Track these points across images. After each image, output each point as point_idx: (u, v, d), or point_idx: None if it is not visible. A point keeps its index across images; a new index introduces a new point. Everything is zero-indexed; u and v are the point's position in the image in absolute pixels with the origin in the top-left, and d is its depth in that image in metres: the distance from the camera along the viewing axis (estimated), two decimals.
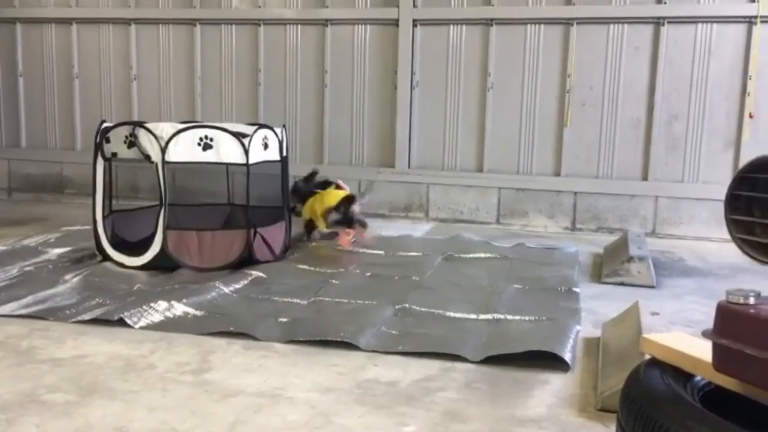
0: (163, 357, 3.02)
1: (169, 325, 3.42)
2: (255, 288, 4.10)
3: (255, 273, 4.32)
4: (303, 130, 6.95)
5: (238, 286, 4.09)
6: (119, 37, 7.40)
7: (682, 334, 2.10)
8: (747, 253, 1.62)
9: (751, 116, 5.89)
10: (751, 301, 1.66)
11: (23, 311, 3.56)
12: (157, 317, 3.48)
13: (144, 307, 3.55)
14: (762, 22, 5.77)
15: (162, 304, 3.59)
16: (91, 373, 2.83)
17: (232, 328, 3.34)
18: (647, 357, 2.08)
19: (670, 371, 1.91)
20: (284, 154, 4.89)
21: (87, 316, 3.46)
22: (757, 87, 5.86)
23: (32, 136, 7.78)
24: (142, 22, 7.31)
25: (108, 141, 4.47)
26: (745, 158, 5.84)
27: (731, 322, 1.67)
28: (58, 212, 6.71)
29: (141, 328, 3.38)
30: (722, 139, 6.03)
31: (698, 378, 1.91)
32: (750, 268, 4.71)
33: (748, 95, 5.88)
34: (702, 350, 1.87)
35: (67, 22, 7.50)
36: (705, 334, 1.76)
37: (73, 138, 7.60)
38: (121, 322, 3.40)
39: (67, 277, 4.18)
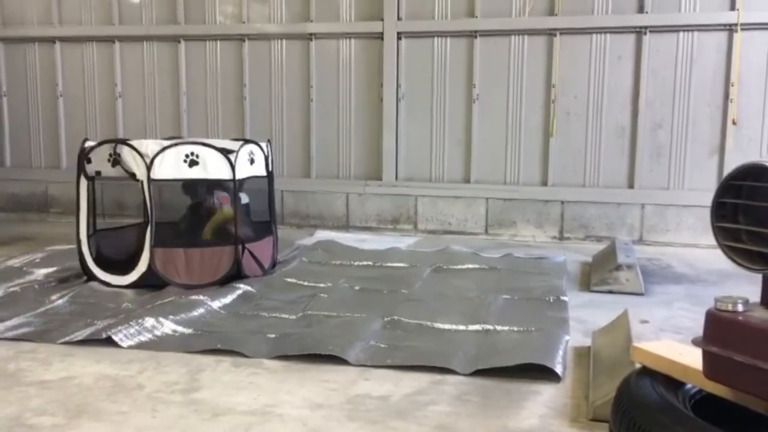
0: (151, 376, 2.99)
1: (157, 344, 3.39)
2: (243, 304, 4.07)
3: (243, 287, 4.30)
4: (289, 144, 6.95)
5: (226, 301, 4.06)
6: (103, 54, 7.38)
7: (672, 342, 2.10)
8: (734, 261, 1.62)
9: (734, 122, 5.94)
10: (740, 308, 1.67)
11: (9, 334, 3.51)
12: (145, 336, 3.45)
13: (132, 324, 3.51)
14: (742, 29, 5.83)
15: (149, 321, 3.55)
16: (79, 395, 2.79)
17: (219, 346, 3.31)
18: (638, 366, 2.08)
19: (661, 379, 1.91)
20: (270, 168, 4.88)
21: (75, 338, 3.42)
22: (740, 93, 5.92)
23: (17, 155, 7.73)
24: (126, 40, 7.30)
25: (89, 161, 4.45)
26: (730, 164, 5.93)
27: (720, 330, 1.68)
28: (43, 231, 6.66)
29: (129, 347, 3.34)
30: (706, 145, 6.08)
31: (689, 386, 1.91)
32: (737, 273, 4.73)
33: (731, 102, 5.94)
34: (692, 358, 1.87)
35: (50, 40, 7.48)
36: (695, 342, 1.77)
37: (58, 157, 7.56)
38: (109, 342, 3.36)
39: (54, 297, 4.14)
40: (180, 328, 3.58)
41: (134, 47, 7.30)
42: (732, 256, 1.67)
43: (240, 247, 4.46)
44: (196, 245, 4.51)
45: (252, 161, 4.63)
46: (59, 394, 2.80)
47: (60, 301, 4.08)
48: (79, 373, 3.03)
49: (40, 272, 4.74)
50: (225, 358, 3.20)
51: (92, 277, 4.47)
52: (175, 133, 7.01)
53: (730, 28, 5.90)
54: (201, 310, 3.85)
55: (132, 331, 3.46)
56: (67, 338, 3.43)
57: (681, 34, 6.03)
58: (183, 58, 7.16)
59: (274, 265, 4.90)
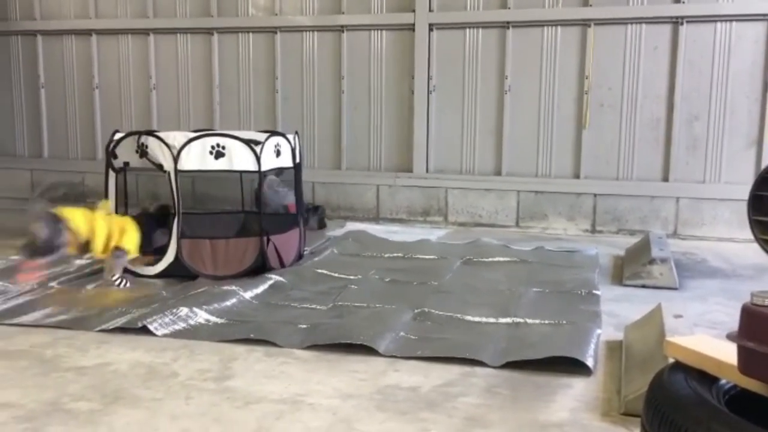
0: (185, 364, 3.04)
1: (191, 333, 3.44)
2: (275, 294, 4.11)
3: (275, 278, 4.34)
4: (321, 136, 6.97)
5: (258, 291, 4.11)
6: (138, 47, 7.48)
7: (706, 336, 2.07)
8: None
9: None
10: None
11: (47, 321, 3.60)
12: (179, 325, 3.50)
13: (166, 313, 3.57)
14: None
15: (183, 310, 3.61)
16: (114, 381, 2.85)
17: (252, 335, 3.35)
18: (671, 360, 2.05)
19: (695, 374, 1.88)
20: (297, 160, 4.89)
21: (111, 325, 3.49)
22: None
23: (54, 146, 7.88)
24: (161, 32, 7.38)
25: (115, 156, 4.49)
26: None
27: (757, 325, 1.65)
28: None
29: (163, 335, 3.40)
30: (744, 138, 5.96)
31: (723, 381, 1.88)
32: None
33: None
34: (726, 353, 1.84)
35: (86, 33, 7.60)
36: (730, 337, 1.74)
37: (95, 148, 7.69)
38: (143, 330, 3.42)
39: (89, 286, 4.22)
40: (213, 318, 3.63)
41: (168, 39, 7.38)
42: None
43: (265, 238, 4.49)
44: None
45: (278, 153, 4.65)
46: (95, 380, 2.86)
47: (95, 290, 4.15)
48: (114, 359, 3.09)
49: (76, 262, 4.82)
50: (257, 348, 3.24)
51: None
52: (207, 124, 7.08)
53: None
54: (233, 300, 3.90)
55: (166, 320, 3.52)
56: (103, 326, 3.50)
57: (718, 24, 5.91)
58: (216, 50, 7.22)
59: (300, 257, 4.93)
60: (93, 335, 3.42)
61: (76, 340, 3.35)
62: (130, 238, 4.23)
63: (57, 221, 3.96)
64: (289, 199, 5.94)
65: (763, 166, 5.87)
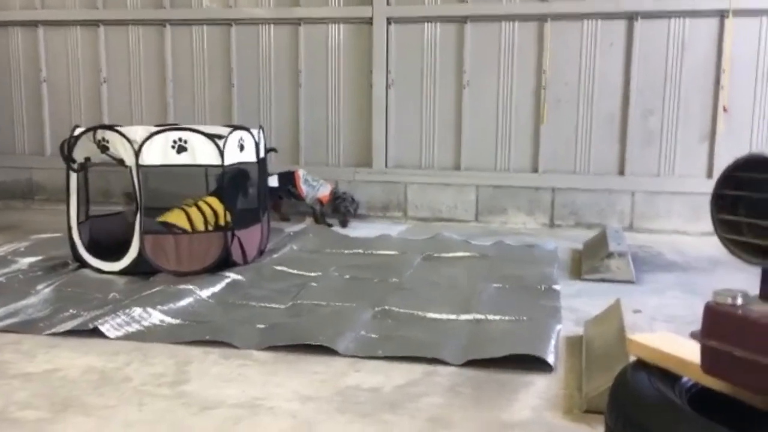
0: (138, 369, 2.94)
1: (144, 335, 3.34)
2: (232, 293, 4.02)
3: (232, 276, 4.25)
4: (278, 130, 6.87)
5: (215, 290, 4.01)
6: (87, 39, 7.25)
7: (668, 334, 2.08)
8: (734, 253, 1.59)
9: (725, 109, 5.92)
10: (739, 301, 1.64)
11: None
12: (132, 326, 3.40)
13: (119, 314, 3.46)
14: (734, 15, 5.80)
15: (137, 311, 3.51)
16: (64, 388, 2.74)
17: (208, 337, 3.26)
18: (632, 358, 2.05)
19: (657, 373, 1.88)
20: (261, 155, 4.82)
21: (60, 329, 3.36)
22: (731, 80, 5.90)
23: (0, 141, 7.60)
24: (111, 24, 7.17)
25: (70, 151, 4.38)
26: (721, 151, 5.92)
27: (719, 324, 1.65)
28: (28, 219, 6.56)
29: (116, 338, 3.29)
30: (697, 132, 6.06)
31: (685, 379, 1.88)
32: (728, 261, 4.72)
33: (722, 88, 5.91)
34: (689, 351, 1.84)
35: (32, 24, 7.34)
36: (693, 336, 1.74)
37: (43, 143, 7.44)
38: (95, 333, 3.31)
39: (39, 287, 4.07)
40: (168, 318, 3.53)
41: (119, 31, 7.17)
42: (732, 248, 1.63)
43: (229, 234, 4.41)
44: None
45: (242, 147, 4.57)
46: (44, 387, 2.75)
47: (45, 291, 4.01)
48: (64, 365, 2.98)
49: (25, 261, 4.66)
50: (213, 350, 3.15)
51: (83, 263, 4.42)
52: (161, 119, 6.92)
53: (721, 15, 5.86)
54: (189, 300, 3.80)
55: (119, 321, 3.41)
56: (52, 329, 3.37)
57: (673, 20, 5.99)
58: (169, 43, 7.05)
59: (261, 253, 4.85)
60: (42, 339, 3.29)
61: (23, 345, 3.22)
62: (223, 214, 4.53)
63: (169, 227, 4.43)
64: (323, 191, 6.19)
65: (715, 160, 6.01)
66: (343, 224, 6.19)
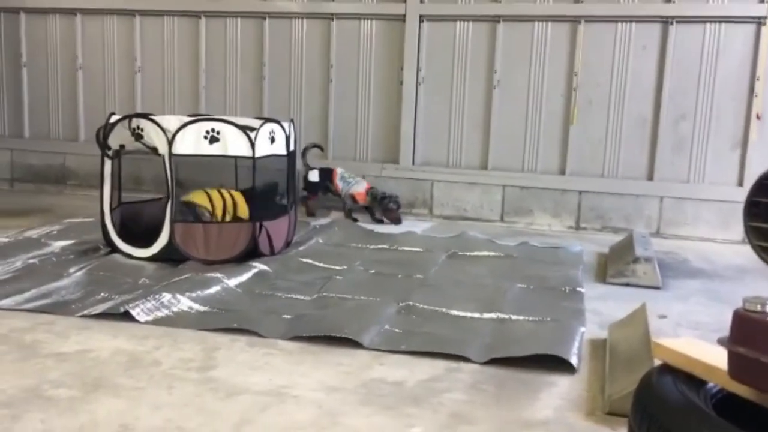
0: (168, 353, 3.01)
1: (173, 321, 3.40)
2: (259, 283, 4.08)
3: (259, 266, 4.31)
4: (307, 124, 6.92)
5: (242, 280, 4.07)
6: (123, 28, 7.36)
7: (694, 339, 2.08)
8: (766, 261, 1.59)
9: (758, 117, 5.85)
10: None
11: (27, 305, 3.54)
12: (162, 311, 3.47)
13: (149, 299, 3.53)
14: None
15: (167, 297, 3.58)
16: (95, 369, 2.81)
17: (235, 325, 3.32)
18: (657, 362, 2.06)
19: (683, 377, 1.89)
20: (291, 148, 4.87)
21: (93, 311, 3.44)
22: (765, 88, 5.83)
23: (35, 126, 7.75)
24: (147, 14, 7.27)
25: (105, 138, 4.47)
26: (752, 159, 5.86)
27: (748, 330, 1.66)
28: (60, 203, 6.69)
29: (146, 322, 3.36)
30: (729, 139, 6.00)
31: (711, 385, 1.89)
32: (755, 269, 4.71)
33: (756, 96, 5.85)
34: (715, 357, 1.85)
35: (71, 12, 7.46)
36: (720, 342, 1.74)
37: (77, 129, 7.57)
38: (125, 317, 3.38)
39: (72, 270, 4.16)
40: (196, 305, 3.59)
41: (154, 22, 7.27)
42: (764, 255, 1.64)
43: (257, 224, 4.47)
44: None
45: (273, 140, 4.63)
46: (76, 367, 2.82)
47: (78, 274, 4.10)
48: (96, 346, 3.05)
49: (58, 244, 4.76)
50: (240, 338, 3.21)
51: (114, 248, 4.51)
52: (193, 109, 7.00)
53: (758, 21, 5.79)
54: (217, 288, 3.86)
55: (149, 306, 3.48)
56: (84, 311, 3.45)
57: (708, 25, 5.93)
58: (203, 34, 7.12)
59: (288, 244, 4.91)
60: (74, 321, 3.37)
61: (56, 325, 3.30)
62: (242, 208, 4.70)
63: (191, 207, 4.59)
64: (356, 188, 6.22)
65: (746, 168, 5.95)
66: (397, 221, 6.19)
